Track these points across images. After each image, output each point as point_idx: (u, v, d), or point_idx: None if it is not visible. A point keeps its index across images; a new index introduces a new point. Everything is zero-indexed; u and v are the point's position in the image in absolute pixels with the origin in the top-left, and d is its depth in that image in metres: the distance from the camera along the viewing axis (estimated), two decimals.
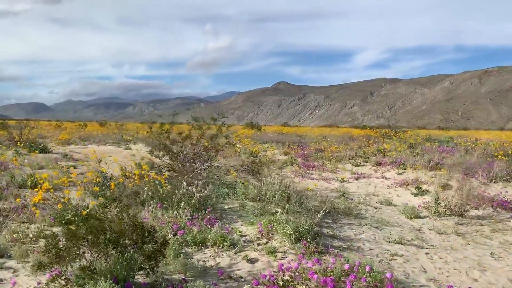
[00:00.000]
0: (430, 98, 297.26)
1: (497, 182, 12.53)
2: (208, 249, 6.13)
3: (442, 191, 11.26)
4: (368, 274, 4.87)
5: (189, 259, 5.62)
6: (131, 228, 4.66)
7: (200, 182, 7.98)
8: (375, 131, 34.25)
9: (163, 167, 10.12)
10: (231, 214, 8.20)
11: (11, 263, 5.45)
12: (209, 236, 6.30)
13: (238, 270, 5.46)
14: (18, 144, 18.60)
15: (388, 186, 13.37)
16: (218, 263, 5.65)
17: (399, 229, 8.23)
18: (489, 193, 10.48)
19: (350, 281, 4.72)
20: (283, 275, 5.06)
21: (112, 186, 8.43)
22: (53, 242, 4.44)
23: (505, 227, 8.64)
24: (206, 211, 7.37)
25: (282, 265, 5.24)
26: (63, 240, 4.50)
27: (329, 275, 4.90)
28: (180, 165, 9.88)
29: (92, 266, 4.33)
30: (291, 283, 4.87)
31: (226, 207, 8.78)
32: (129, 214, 4.84)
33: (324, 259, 5.70)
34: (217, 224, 6.70)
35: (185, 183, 7.93)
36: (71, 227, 4.55)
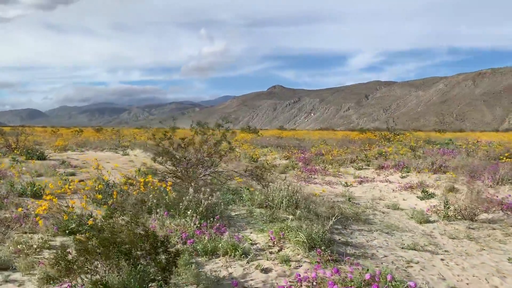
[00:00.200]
0: (425, 100, 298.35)
1: (504, 185, 12.39)
2: (219, 259, 5.92)
3: (450, 195, 11.11)
4: (390, 284, 4.69)
5: (201, 270, 5.42)
6: (143, 238, 4.47)
7: (208, 189, 7.77)
8: (374, 134, 34.14)
9: (166, 173, 9.91)
10: (239, 221, 7.98)
11: (16, 275, 5.23)
12: (220, 245, 6.08)
13: (252, 280, 5.27)
14: (15, 151, 18.31)
15: (393, 190, 13.20)
16: (230, 273, 5.45)
17: (410, 234, 8.07)
18: (497, 196, 10.35)
19: None
20: (301, 285, 4.88)
21: (115, 195, 8.21)
22: (63, 254, 4.24)
23: None
24: (215, 219, 7.11)
25: (299, 275, 5.04)
26: (73, 252, 4.29)
27: (349, 285, 4.72)
28: (183, 171, 9.68)
29: (105, 280, 4.13)
30: None
31: (233, 214, 8.55)
32: (140, 223, 4.65)
33: (340, 268, 5.51)
34: (227, 232, 6.50)
35: (191, 190, 7.72)
36: (81, 238, 4.35)
